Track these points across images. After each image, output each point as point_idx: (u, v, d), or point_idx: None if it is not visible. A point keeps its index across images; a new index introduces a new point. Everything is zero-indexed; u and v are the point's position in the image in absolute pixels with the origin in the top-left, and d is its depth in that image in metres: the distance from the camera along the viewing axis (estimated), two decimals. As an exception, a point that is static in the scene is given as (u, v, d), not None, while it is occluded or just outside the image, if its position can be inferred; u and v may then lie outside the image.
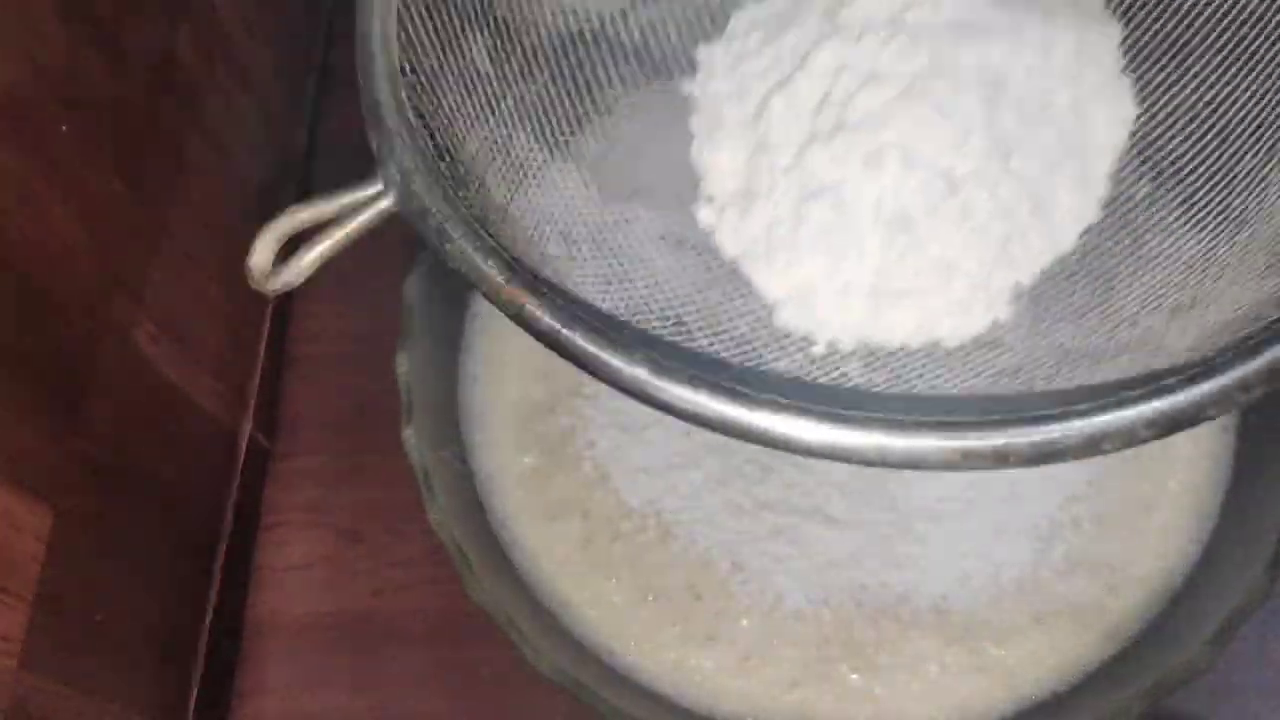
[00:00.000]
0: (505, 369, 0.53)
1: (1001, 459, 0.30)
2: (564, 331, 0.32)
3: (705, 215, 0.44)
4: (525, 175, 0.41)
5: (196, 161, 0.51)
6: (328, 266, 0.61)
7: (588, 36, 0.45)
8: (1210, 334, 0.35)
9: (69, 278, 0.41)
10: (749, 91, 0.44)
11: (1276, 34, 0.40)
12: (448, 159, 0.37)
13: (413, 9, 0.39)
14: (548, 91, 0.44)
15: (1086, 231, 0.41)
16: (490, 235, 0.35)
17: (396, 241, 0.52)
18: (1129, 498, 0.48)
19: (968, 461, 0.31)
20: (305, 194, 0.62)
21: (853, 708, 0.46)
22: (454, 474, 0.49)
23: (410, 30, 0.38)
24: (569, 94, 0.44)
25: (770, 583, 0.48)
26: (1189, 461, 0.49)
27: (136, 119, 0.46)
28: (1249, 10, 0.40)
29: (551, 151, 0.43)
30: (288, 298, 0.60)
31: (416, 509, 0.45)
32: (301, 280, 0.35)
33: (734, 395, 0.31)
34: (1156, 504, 0.48)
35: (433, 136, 0.37)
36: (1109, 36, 0.43)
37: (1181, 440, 0.48)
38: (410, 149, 0.35)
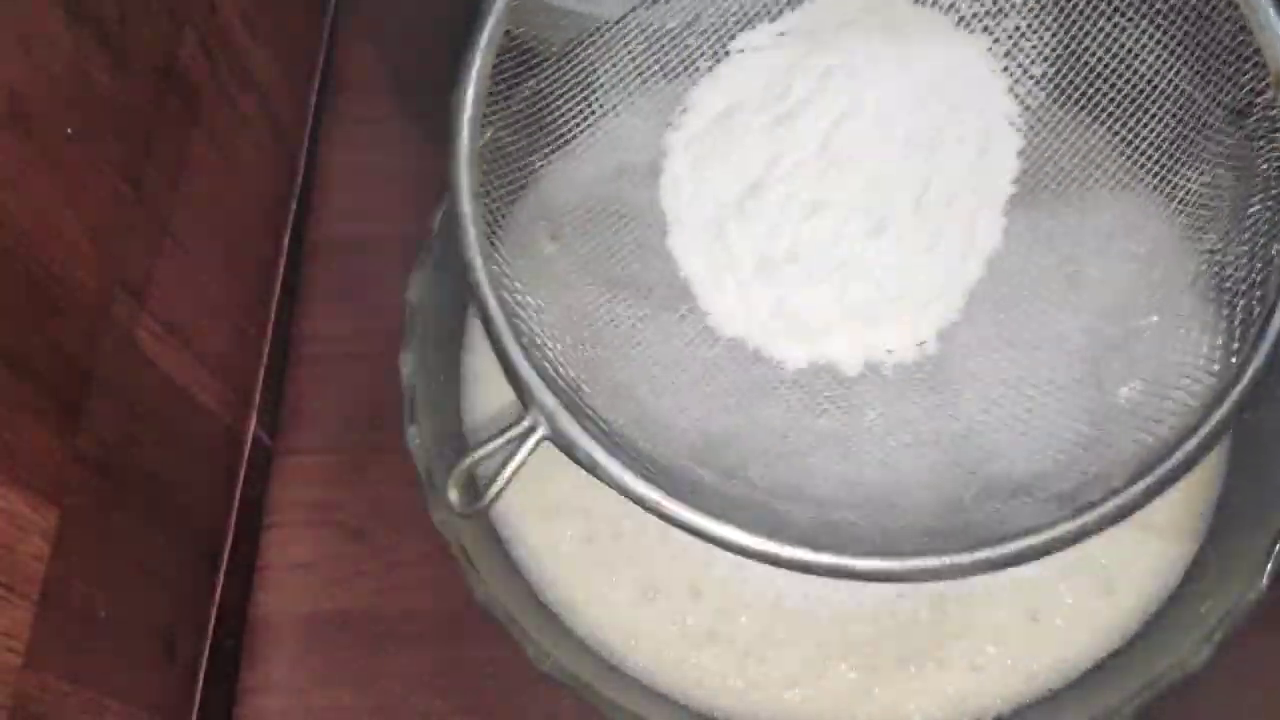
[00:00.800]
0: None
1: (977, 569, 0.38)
2: (701, 522, 0.39)
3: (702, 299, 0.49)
4: (628, 340, 0.47)
5: (199, 162, 0.51)
6: (331, 268, 0.61)
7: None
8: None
9: (72, 278, 0.41)
10: (705, 204, 0.49)
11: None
12: (572, 387, 0.42)
13: (498, 253, 0.43)
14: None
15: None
16: (620, 444, 0.41)
17: (399, 241, 0.52)
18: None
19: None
20: (309, 196, 0.62)
21: (852, 706, 0.46)
22: (457, 473, 0.49)
23: (500, 266, 0.43)
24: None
25: (770, 581, 0.48)
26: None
27: (140, 120, 0.46)
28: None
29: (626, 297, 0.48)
30: (291, 298, 0.60)
31: (420, 508, 0.45)
32: (492, 503, 0.41)
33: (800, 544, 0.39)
34: (1152, 504, 0.48)
35: (555, 366, 0.42)
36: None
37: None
38: (545, 390, 0.40)
